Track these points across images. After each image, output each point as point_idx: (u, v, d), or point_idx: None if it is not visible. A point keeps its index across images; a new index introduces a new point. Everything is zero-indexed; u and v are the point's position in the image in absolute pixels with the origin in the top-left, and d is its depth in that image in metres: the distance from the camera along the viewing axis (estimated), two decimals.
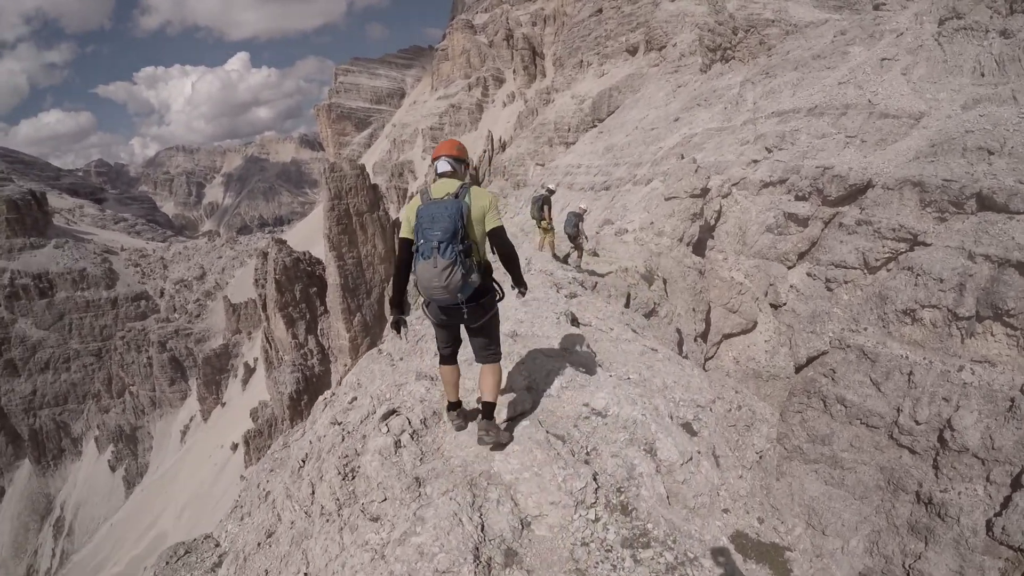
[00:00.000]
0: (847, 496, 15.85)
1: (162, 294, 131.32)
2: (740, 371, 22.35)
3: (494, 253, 4.99)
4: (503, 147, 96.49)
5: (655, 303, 18.50)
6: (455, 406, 5.51)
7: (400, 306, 5.06)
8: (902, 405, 15.88)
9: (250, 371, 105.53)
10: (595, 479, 4.75)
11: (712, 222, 27.19)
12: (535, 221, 17.90)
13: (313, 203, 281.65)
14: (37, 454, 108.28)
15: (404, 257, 4.81)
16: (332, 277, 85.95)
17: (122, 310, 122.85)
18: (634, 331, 10.50)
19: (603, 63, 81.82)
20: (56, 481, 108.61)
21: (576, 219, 18.17)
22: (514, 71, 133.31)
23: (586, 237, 19.83)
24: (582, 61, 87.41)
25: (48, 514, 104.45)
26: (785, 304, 23.63)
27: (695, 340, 21.19)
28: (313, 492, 5.27)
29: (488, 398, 5.16)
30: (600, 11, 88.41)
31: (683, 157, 32.92)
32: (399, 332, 5.13)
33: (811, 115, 27.48)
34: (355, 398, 7.16)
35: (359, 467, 5.18)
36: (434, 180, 5.01)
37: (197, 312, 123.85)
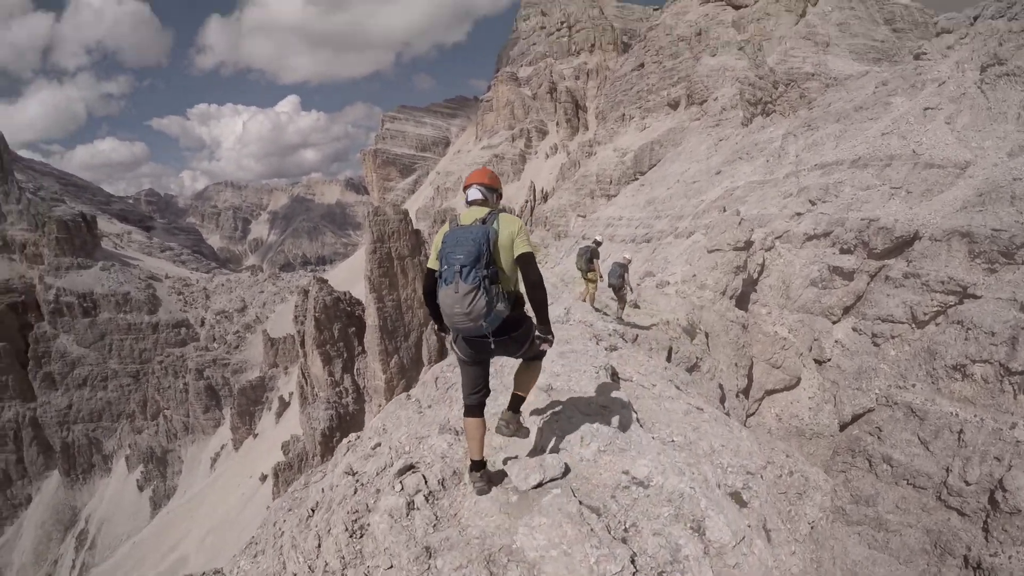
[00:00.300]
0: (891, 560, 15.30)
1: (203, 323, 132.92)
2: (782, 428, 21.54)
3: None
4: (545, 198, 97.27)
5: (697, 357, 17.94)
6: (479, 465, 4.90)
7: (446, 329, 4.82)
8: (951, 465, 15.37)
9: (284, 405, 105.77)
10: (633, 562, 4.04)
11: (755, 275, 26.72)
12: (581, 272, 17.47)
13: (356, 245, 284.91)
14: (67, 467, 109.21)
15: (428, 286, 4.68)
16: (371, 318, 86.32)
17: (162, 335, 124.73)
18: (677, 388, 9.89)
19: (645, 117, 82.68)
20: (83, 495, 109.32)
21: (621, 270, 17.80)
22: (557, 123, 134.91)
23: (630, 288, 19.54)
24: (624, 115, 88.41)
25: (72, 526, 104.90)
26: (830, 360, 22.82)
27: (737, 396, 20.60)
28: (319, 546, 5.02)
29: (520, 391, 5.11)
30: (642, 66, 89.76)
31: (725, 210, 32.97)
32: (446, 336, 4.95)
33: (855, 167, 27.07)
34: (378, 444, 6.88)
35: (368, 525, 4.85)
36: (466, 209, 4.82)
37: (236, 343, 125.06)
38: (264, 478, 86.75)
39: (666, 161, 60.93)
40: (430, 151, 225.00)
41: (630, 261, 19.61)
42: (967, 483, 14.75)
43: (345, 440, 8.75)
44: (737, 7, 77.86)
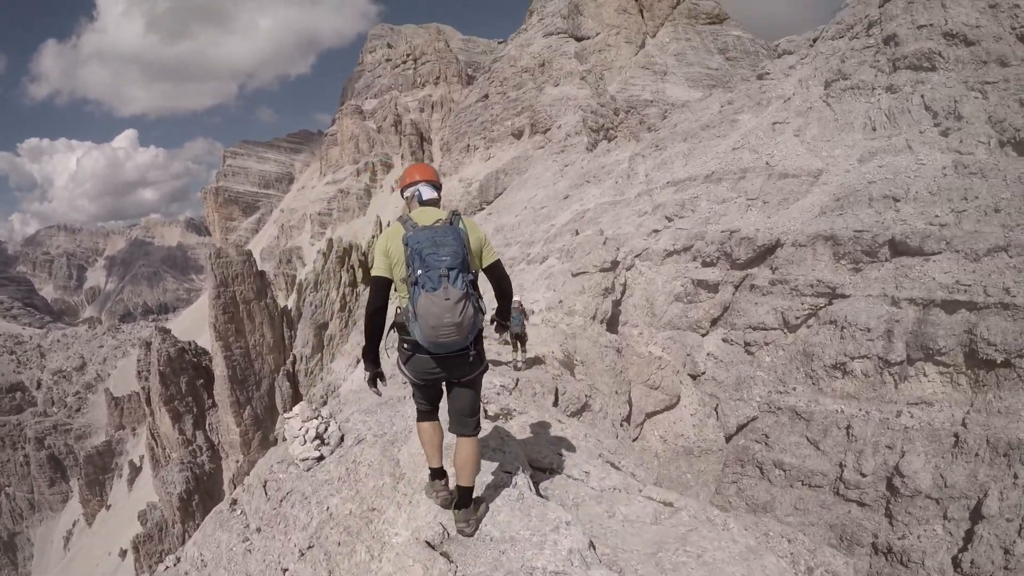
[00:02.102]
0: None
1: (39, 385, 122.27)
2: (669, 450, 20.64)
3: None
4: None
5: (586, 396, 16.53)
6: (440, 474, 4.48)
7: (375, 360, 4.16)
8: (844, 460, 15.73)
9: (136, 470, 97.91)
10: None
11: (619, 296, 25.84)
12: (513, 337, 15.48)
13: (199, 290, 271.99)
14: None
15: (381, 300, 4.01)
16: (219, 368, 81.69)
17: None
18: (615, 467, 7.35)
19: (489, 147, 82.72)
20: None
21: (520, 316, 15.73)
22: (402, 156, 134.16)
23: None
24: (469, 145, 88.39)
25: None
26: (704, 373, 22.62)
27: (622, 425, 19.45)
28: None
29: (466, 482, 4.20)
30: (487, 96, 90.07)
31: (577, 232, 32.38)
32: (375, 388, 4.21)
33: (709, 181, 27.33)
34: None
35: None
36: (409, 208, 4.33)
37: (77, 406, 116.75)
38: (124, 553, 79.95)
39: (512, 189, 60.87)
40: (273, 187, 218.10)
41: (519, 303, 17.33)
42: (863, 475, 15.13)
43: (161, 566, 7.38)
44: (579, 39, 79.60)
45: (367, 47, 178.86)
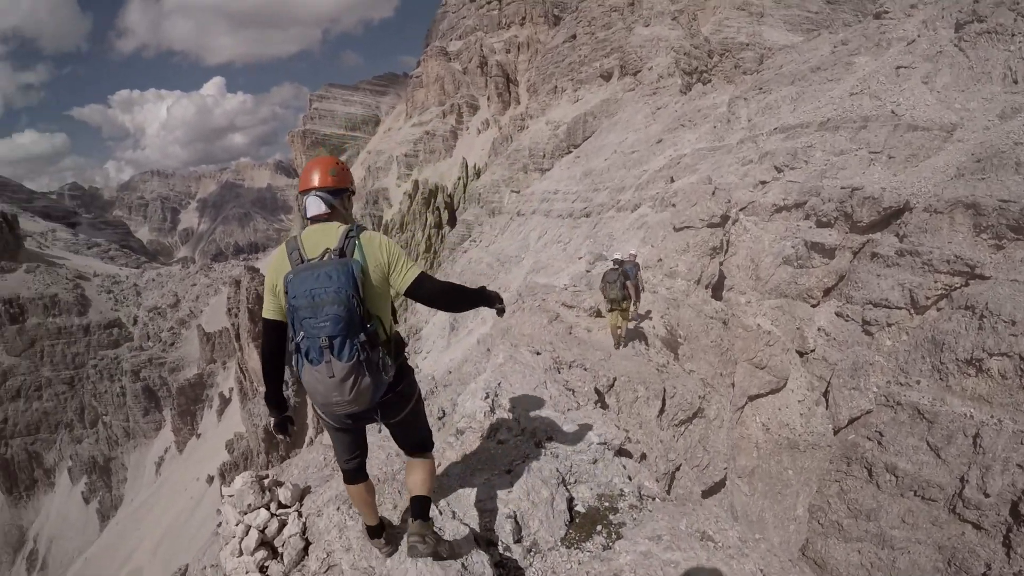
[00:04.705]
0: None
1: (135, 322, 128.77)
2: (771, 442, 18.23)
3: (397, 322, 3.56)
4: (478, 174, 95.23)
5: (700, 397, 14.17)
6: (379, 530, 3.94)
7: (280, 405, 3.54)
8: (967, 474, 13.02)
9: (225, 402, 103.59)
10: None
11: (724, 256, 22.99)
12: (610, 304, 13.55)
13: (288, 230, 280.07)
14: (9, 485, 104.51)
15: (272, 347, 3.38)
16: None
17: (95, 338, 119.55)
18: None
19: (577, 89, 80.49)
20: (29, 513, 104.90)
21: (625, 277, 13.40)
22: (488, 98, 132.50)
23: (642, 290, 15.47)
24: (556, 87, 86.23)
25: (21, 547, 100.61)
26: (814, 351, 19.85)
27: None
28: None
29: (420, 492, 3.77)
30: (574, 37, 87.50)
31: (672, 180, 30.83)
32: (286, 435, 3.60)
33: (824, 129, 24.45)
34: None
35: None
36: (302, 226, 3.60)
37: (171, 341, 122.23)
38: (211, 479, 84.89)
39: (602, 132, 58.93)
40: (360, 130, 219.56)
41: (635, 257, 15.34)
42: (987, 495, 12.52)
43: None
44: None
45: None
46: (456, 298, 3.52)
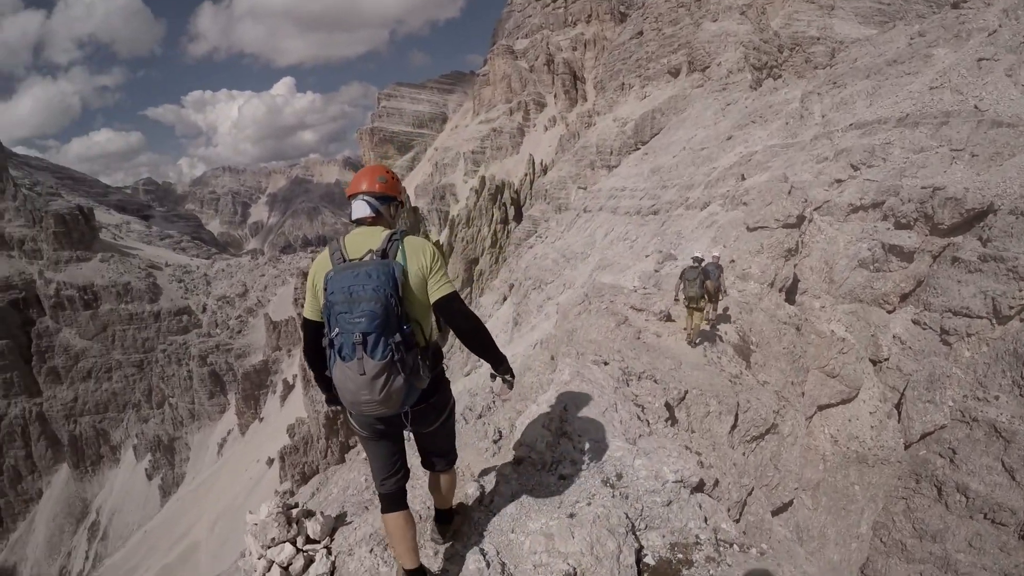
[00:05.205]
0: None
1: (204, 309, 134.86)
2: (839, 454, 17.36)
3: (441, 329, 3.48)
4: (544, 170, 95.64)
5: (774, 412, 13.72)
6: (419, 574, 3.56)
7: (330, 385, 3.34)
8: None
9: (289, 388, 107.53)
10: None
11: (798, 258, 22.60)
12: (688, 302, 13.55)
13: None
14: (76, 459, 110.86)
15: (311, 346, 3.42)
16: None
17: (164, 324, 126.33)
18: None
19: (644, 85, 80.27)
20: (93, 486, 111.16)
21: (705, 276, 13.40)
22: (555, 95, 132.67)
23: (723, 294, 15.33)
24: (623, 84, 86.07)
25: (84, 518, 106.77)
26: (887, 360, 18.75)
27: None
28: None
29: (443, 506, 3.99)
30: (641, 33, 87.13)
31: (744, 177, 30.73)
32: (339, 405, 3.42)
33: (903, 125, 23.53)
34: None
35: None
36: (351, 229, 3.51)
37: (238, 328, 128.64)
38: (271, 462, 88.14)
39: (670, 129, 58.44)
40: (427, 127, 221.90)
41: (717, 259, 15.29)
42: None
43: None
44: None
45: None
46: (476, 334, 3.43)
